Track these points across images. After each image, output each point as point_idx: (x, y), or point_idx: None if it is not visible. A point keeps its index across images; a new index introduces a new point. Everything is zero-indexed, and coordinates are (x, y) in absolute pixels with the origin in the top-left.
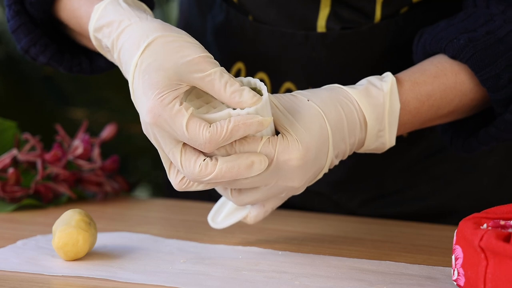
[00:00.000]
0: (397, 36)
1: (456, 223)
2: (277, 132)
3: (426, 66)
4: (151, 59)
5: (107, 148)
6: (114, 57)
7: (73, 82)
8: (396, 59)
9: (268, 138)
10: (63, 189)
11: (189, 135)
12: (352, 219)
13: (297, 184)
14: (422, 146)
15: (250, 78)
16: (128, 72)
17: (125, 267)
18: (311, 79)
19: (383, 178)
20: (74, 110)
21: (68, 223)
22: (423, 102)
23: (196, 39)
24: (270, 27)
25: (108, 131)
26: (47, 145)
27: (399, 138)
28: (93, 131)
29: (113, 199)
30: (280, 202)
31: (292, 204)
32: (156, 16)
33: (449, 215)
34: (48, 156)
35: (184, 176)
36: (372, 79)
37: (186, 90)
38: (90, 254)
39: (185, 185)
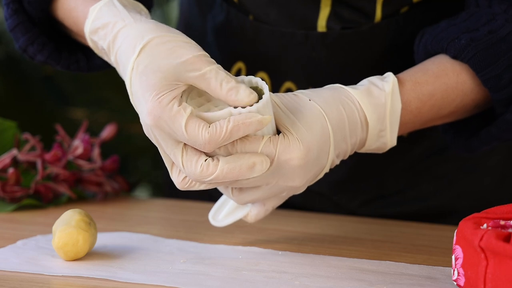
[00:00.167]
0: (397, 35)
1: (456, 223)
2: (278, 132)
3: (428, 66)
4: (147, 60)
5: (107, 148)
6: (111, 60)
7: (73, 82)
8: (396, 59)
9: (269, 137)
10: (63, 189)
11: (188, 136)
12: (352, 219)
13: (298, 183)
14: (424, 146)
15: (251, 77)
16: (125, 74)
17: (125, 267)
18: (311, 79)
19: (384, 178)
20: (74, 110)
21: (68, 223)
22: (424, 102)
23: (197, 39)
24: (271, 27)
25: (108, 131)
26: (47, 145)
27: (400, 138)
28: (93, 131)
29: (113, 199)
30: (281, 201)
31: (293, 204)
32: (156, 16)
33: (449, 215)
34: (48, 156)
35: (186, 176)
36: (374, 79)
37: (188, 89)
38: (90, 254)
39: (188, 184)
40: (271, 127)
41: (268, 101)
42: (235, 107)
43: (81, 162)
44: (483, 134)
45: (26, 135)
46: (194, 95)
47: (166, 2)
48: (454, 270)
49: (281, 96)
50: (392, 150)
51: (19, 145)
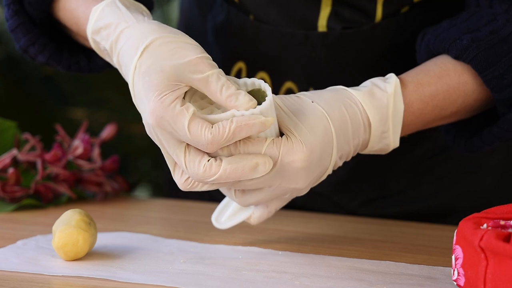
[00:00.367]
0: (398, 35)
1: (456, 223)
2: (281, 134)
3: (430, 66)
4: (150, 61)
5: (107, 148)
6: (113, 60)
7: (73, 82)
8: (397, 59)
9: (273, 139)
10: (63, 189)
11: (191, 136)
12: (352, 219)
13: (301, 185)
14: (425, 146)
15: (254, 79)
16: (128, 74)
17: (125, 267)
18: (311, 79)
19: (385, 179)
20: (74, 110)
21: (68, 223)
22: (426, 103)
23: (197, 39)
24: (271, 26)
25: (108, 131)
26: (47, 145)
27: (401, 139)
28: (93, 131)
29: (113, 199)
30: (283, 203)
31: (293, 204)
32: (156, 17)
33: (449, 215)
34: (48, 156)
35: (189, 176)
36: (376, 80)
37: (191, 91)
38: (90, 254)
39: (190, 185)
40: (274, 129)
41: (271, 103)
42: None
43: (81, 162)
44: (485, 134)
45: (26, 135)
46: (197, 97)
47: (167, 2)
48: (454, 270)
49: (283, 98)
50: (393, 150)
51: (19, 145)
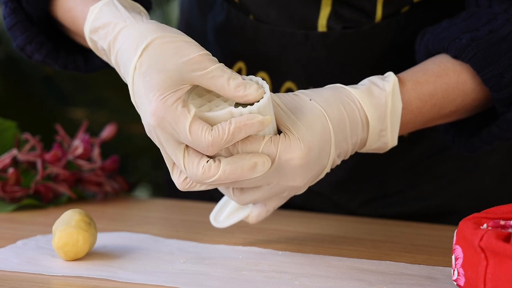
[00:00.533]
0: (398, 35)
1: (456, 223)
2: (279, 132)
3: (428, 65)
4: (150, 61)
5: (107, 148)
6: (111, 60)
7: (73, 82)
8: (397, 59)
9: (270, 137)
10: (63, 189)
11: (192, 138)
12: (352, 219)
13: (299, 183)
14: (424, 145)
15: (252, 77)
16: (127, 74)
17: (125, 267)
18: (311, 79)
19: (385, 178)
20: (74, 110)
21: (68, 223)
22: (425, 101)
23: (197, 39)
24: (271, 26)
25: (108, 131)
26: (47, 145)
27: (400, 138)
28: (93, 131)
29: (113, 199)
30: (282, 201)
31: (293, 204)
32: (156, 17)
33: (449, 215)
34: (48, 156)
35: (187, 176)
36: (374, 79)
37: (188, 91)
38: (90, 254)
39: (188, 185)
40: (272, 127)
41: (269, 100)
42: (236, 107)
43: (81, 162)
44: (484, 133)
45: (26, 135)
46: (195, 95)
47: (166, 2)
48: (454, 270)
49: (281, 96)
50: (392, 150)
51: (19, 145)
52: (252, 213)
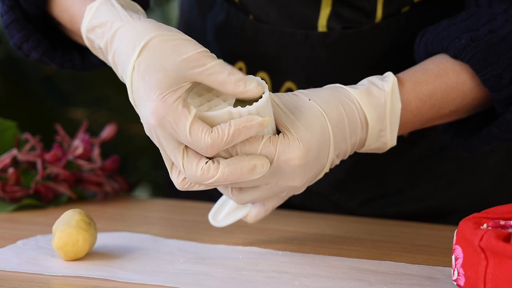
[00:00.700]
0: (398, 35)
1: (456, 223)
2: (278, 132)
3: (428, 65)
4: (149, 60)
5: (107, 148)
6: (108, 59)
7: (73, 81)
8: (397, 59)
9: (269, 137)
10: (63, 189)
11: (192, 139)
12: (352, 219)
13: (298, 183)
14: (423, 146)
15: (251, 76)
16: (125, 74)
17: (125, 267)
18: (311, 79)
19: (383, 178)
20: (74, 110)
21: (68, 223)
22: (424, 101)
23: (197, 39)
24: (271, 26)
25: (108, 131)
26: (47, 145)
27: (400, 138)
28: (93, 131)
29: (113, 199)
30: (280, 201)
31: (291, 204)
32: (156, 16)
33: (449, 215)
34: (48, 156)
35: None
36: (373, 79)
37: (187, 90)
38: (90, 254)
39: (187, 185)
40: (271, 127)
41: (268, 100)
42: (235, 106)
43: (81, 162)
44: (483, 134)
45: (26, 135)
46: (194, 94)
47: (166, 2)
48: (454, 270)
49: (280, 95)
50: (391, 150)
51: (19, 145)
52: (251, 213)
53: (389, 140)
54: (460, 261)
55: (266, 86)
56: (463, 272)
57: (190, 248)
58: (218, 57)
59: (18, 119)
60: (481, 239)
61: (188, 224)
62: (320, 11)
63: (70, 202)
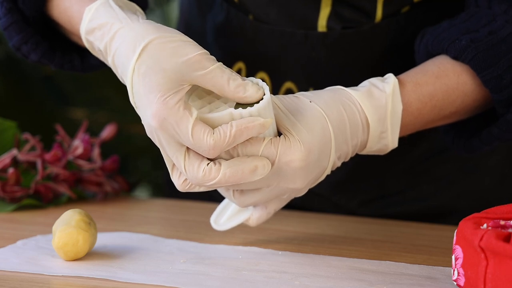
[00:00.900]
0: (398, 35)
1: (456, 223)
2: (279, 134)
3: (428, 67)
4: (149, 61)
5: (107, 148)
6: (108, 61)
7: (73, 82)
8: (397, 59)
9: (270, 139)
10: (63, 189)
11: (194, 141)
12: (352, 219)
13: (299, 185)
14: (424, 147)
15: (252, 78)
16: (125, 76)
17: (125, 267)
18: (311, 79)
19: (384, 179)
20: (74, 110)
21: (68, 223)
22: (425, 103)
23: (197, 39)
24: (270, 26)
25: (108, 131)
26: (47, 145)
27: (400, 140)
28: (93, 131)
29: (113, 199)
30: (282, 203)
31: (291, 205)
32: (156, 17)
33: (449, 215)
34: (48, 156)
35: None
36: (374, 80)
37: (188, 92)
38: (90, 254)
39: (188, 186)
40: (272, 129)
41: (269, 102)
42: (236, 108)
43: (81, 162)
44: (484, 134)
45: (26, 135)
46: (195, 97)
47: (166, 2)
48: (454, 270)
49: (281, 97)
50: (392, 151)
51: (19, 145)
52: (253, 216)
53: (390, 142)
54: (460, 261)
55: (267, 87)
56: (463, 272)
57: (190, 248)
58: (218, 57)
59: (18, 119)
60: (481, 239)
61: (188, 224)
62: (320, 11)
63: (70, 202)
